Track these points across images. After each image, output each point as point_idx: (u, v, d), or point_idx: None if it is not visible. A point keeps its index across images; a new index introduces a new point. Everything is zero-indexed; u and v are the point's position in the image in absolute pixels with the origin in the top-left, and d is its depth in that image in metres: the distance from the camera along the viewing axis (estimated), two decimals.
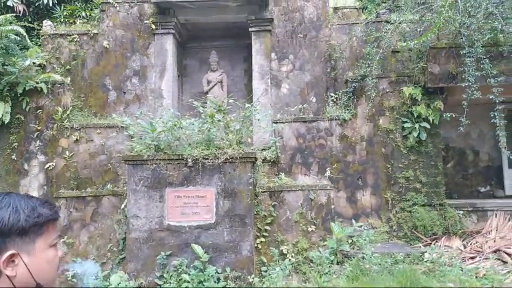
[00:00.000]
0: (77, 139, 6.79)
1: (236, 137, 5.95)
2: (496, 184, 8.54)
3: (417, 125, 6.88)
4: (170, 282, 5.06)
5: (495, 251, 5.95)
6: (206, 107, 6.09)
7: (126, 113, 7.34)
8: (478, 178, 8.60)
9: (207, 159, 5.58)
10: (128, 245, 5.49)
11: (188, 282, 4.98)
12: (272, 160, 6.93)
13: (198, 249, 5.22)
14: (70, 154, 6.74)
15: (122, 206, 6.11)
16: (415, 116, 6.93)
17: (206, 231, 5.47)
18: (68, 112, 6.95)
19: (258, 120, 6.54)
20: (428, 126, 6.83)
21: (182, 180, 5.61)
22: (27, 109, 6.84)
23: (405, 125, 6.97)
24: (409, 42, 6.54)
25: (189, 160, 5.55)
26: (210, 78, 8.50)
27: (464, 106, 6.31)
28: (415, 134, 6.87)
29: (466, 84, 6.34)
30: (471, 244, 6.37)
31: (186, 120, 5.85)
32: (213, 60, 8.48)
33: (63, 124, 6.85)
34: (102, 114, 7.43)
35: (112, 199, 6.26)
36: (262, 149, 7.03)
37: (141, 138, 5.96)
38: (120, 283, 4.97)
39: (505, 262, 5.59)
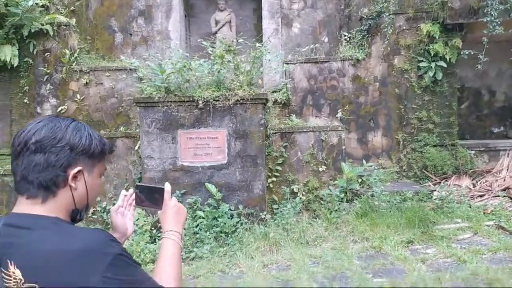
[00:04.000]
0: (86, 82, 6.76)
1: (246, 79, 5.85)
2: (510, 124, 8.42)
3: (433, 64, 6.67)
4: (186, 218, 5.27)
5: (504, 189, 6.01)
6: (215, 48, 5.93)
7: (133, 55, 7.22)
8: (492, 118, 8.47)
9: (218, 100, 5.54)
10: None
11: (203, 218, 5.17)
12: (283, 102, 6.86)
13: (211, 187, 5.36)
14: (81, 98, 6.75)
15: (136, 148, 6.22)
16: (432, 54, 6.70)
17: (219, 171, 5.58)
18: (75, 55, 6.85)
19: (269, 60, 6.39)
20: (444, 65, 6.62)
21: (194, 121, 5.63)
22: (34, 52, 6.75)
23: (421, 64, 6.76)
24: None
25: (200, 102, 5.52)
26: (218, 18, 8.22)
27: (484, 42, 6.07)
28: (430, 73, 6.68)
29: (488, 19, 6.04)
30: (480, 183, 6.42)
31: (195, 62, 5.73)
32: None
33: (72, 67, 6.79)
34: (110, 56, 7.33)
35: (125, 141, 6.35)
36: (273, 91, 6.95)
37: (150, 80, 5.91)
38: (138, 219, 5.19)
39: None
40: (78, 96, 6.76)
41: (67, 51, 6.80)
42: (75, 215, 1.13)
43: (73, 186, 1.09)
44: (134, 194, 1.41)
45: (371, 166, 6.29)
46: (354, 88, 6.97)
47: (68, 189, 1.09)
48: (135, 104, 5.91)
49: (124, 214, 1.43)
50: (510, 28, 5.93)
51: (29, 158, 1.05)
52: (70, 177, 1.08)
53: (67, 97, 6.82)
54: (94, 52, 7.37)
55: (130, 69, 6.68)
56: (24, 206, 1.05)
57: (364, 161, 6.51)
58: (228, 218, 5.22)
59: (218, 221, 5.14)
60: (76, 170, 1.09)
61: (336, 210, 5.57)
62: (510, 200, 5.70)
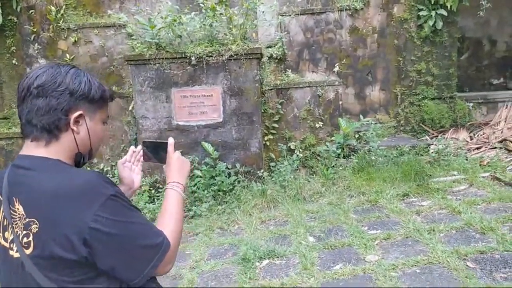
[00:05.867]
0: (75, 41, 6.52)
1: (240, 32, 5.64)
2: (511, 75, 8.28)
3: (433, 13, 6.42)
4: None
5: (501, 141, 6.01)
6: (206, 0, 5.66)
7: (122, 10, 6.89)
8: (492, 69, 8.31)
9: (211, 56, 5.38)
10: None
11: (201, 177, 5.19)
12: (278, 57, 6.66)
13: (208, 146, 5.34)
14: (71, 57, 6.54)
15: (130, 108, 6.12)
16: (432, 2, 6.43)
17: (215, 129, 5.53)
18: (62, 11, 6.54)
19: (263, 12, 6.12)
20: (445, 14, 6.37)
21: (187, 79, 5.49)
22: (18, 9, 6.44)
23: (421, 13, 6.51)
24: None
25: (193, 58, 5.36)
26: None
27: None
28: (430, 22, 6.45)
29: None
30: (478, 135, 6.41)
31: (186, 15, 5.49)
32: None
33: (59, 25, 6.50)
34: (98, 12, 7.00)
35: (119, 101, 6.24)
36: (268, 46, 6.73)
37: (141, 37, 5.69)
38: None
39: (510, 151, 5.67)
40: (67, 55, 6.53)
41: (53, 8, 6.49)
42: (79, 159, 1.19)
43: (75, 130, 1.14)
44: (141, 151, 1.47)
45: (368, 121, 6.24)
46: (351, 40, 6.75)
47: (71, 133, 1.14)
48: (126, 62, 5.74)
49: (132, 168, 1.49)
50: None
51: (32, 102, 1.10)
52: (71, 121, 1.13)
53: (57, 57, 6.60)
54: (81, 8, 7.04)
55: (119, 25, 6.42)
56: (29, 148, 1.12)
57: (361, 116, 6.45)
58: (226, 176, 5.24)
59: (215, 179, 5.17)
60: (77, 114, 1.14)
61: (333, 166, 5.59)
62: (506, 152, 5.71)
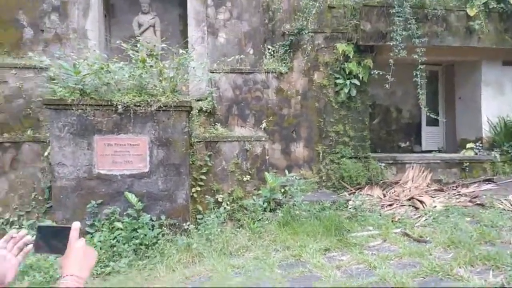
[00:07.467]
0: None
1: (170, 85, 5.69)
2: (415, 140, 9.35)
3: (348, 82, 7.14)
4: (102, 230, 4.89)
5: (409, 199, 6.60)
6: (137, 51, 5.68)
7: (45, 53, 6.60)
8: (400, 134, 9.33)
9: (139, 106, 5.30)
10: (55, 193, 5.14)
11: (122, 229, 4.85)
12: (208, 111, 6.79)
13: (131, 197, 5.06)
14: None
15: (46, 153, 5.64)
16: (347, 72, 7.18)
17: (140, 180, 5.30)
18: None
19: (194, 68, 6.29)
20: (358, 83, 7.13)
21: (112, 127, 5.29)
22: None
23: (337, 81, 7.21)
24: None
25: (119, 106, 5.22)
26: (141, 21, 7.91)
27: (391, 64, 6.68)
28: (346, 90, 7.14)
29: (394, 43, 6.68)
30: (390, 193, 6.98)
31: (115, 64, 5.43)
32: (145, 1, 7.85)
33: None
34: (17, 53, 6.61)
35: (33, 146, 5.74)
36: (198, 100, 6.85)
37: (63, 81, 5.43)
38: None
39: (417, 208, 6.23)
40: None
41: None
42: None
43: None
44: (27, 238, 1.21)
45: (293, 176, 6.49)
46: (277, 100, 7.17)
47: None
48: (45, 106, 5.38)
49: (7, 259, 1.17)
50: (413, 53, 6.62)
51: None
52: None
53: None
54: None
55: (41, 68, 6.09)
56: None
57: (287, 171, 6.70)
58: (149, 229, 4.96)
59: (138, 232, 4.86)
60: None
61: (260, 219, 5.62)
62: (414, 209, 6.27)
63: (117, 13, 8.28)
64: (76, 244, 1.20)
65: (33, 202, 5.69)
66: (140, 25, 7.88)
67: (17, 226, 5.20)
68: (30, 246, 1.20)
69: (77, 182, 5.14)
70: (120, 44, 5.71)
